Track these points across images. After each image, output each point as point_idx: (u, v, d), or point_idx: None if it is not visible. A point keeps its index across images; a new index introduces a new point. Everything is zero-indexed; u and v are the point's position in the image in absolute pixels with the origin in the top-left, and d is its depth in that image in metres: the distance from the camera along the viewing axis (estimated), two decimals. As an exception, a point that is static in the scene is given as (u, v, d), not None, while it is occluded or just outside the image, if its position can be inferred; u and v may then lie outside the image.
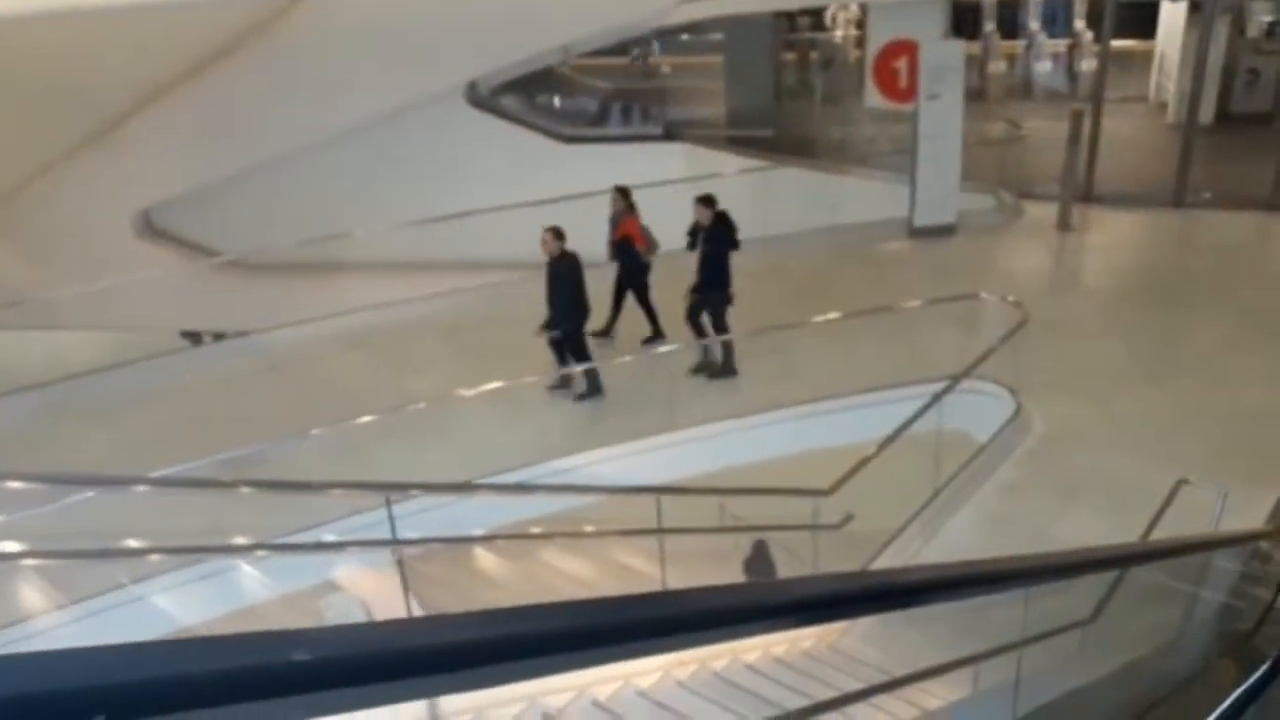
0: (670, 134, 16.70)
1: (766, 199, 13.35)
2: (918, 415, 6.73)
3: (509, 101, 17.22)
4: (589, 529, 6.60)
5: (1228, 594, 5.03)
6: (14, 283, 14.56)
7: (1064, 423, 7.81)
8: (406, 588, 4.56)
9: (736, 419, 8.21)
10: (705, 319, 9.10)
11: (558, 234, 8.77)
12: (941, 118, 11.76)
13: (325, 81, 15.14)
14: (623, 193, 10.05)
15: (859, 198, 13.44)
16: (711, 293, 8.99)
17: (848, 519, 6.16)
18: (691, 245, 9.10)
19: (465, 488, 6.29)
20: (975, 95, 17.16)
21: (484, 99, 16.57)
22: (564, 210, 11.86)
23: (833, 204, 13.51)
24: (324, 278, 14.20)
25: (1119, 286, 10.87)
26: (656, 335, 9.94)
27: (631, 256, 9.82)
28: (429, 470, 6.93)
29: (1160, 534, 5.68)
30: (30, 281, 14.37)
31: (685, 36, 20.26)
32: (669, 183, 11.86)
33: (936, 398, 6.92)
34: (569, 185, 11.87)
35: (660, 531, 5.52)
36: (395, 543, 4.72)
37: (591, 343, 9.29)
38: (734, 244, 8.97)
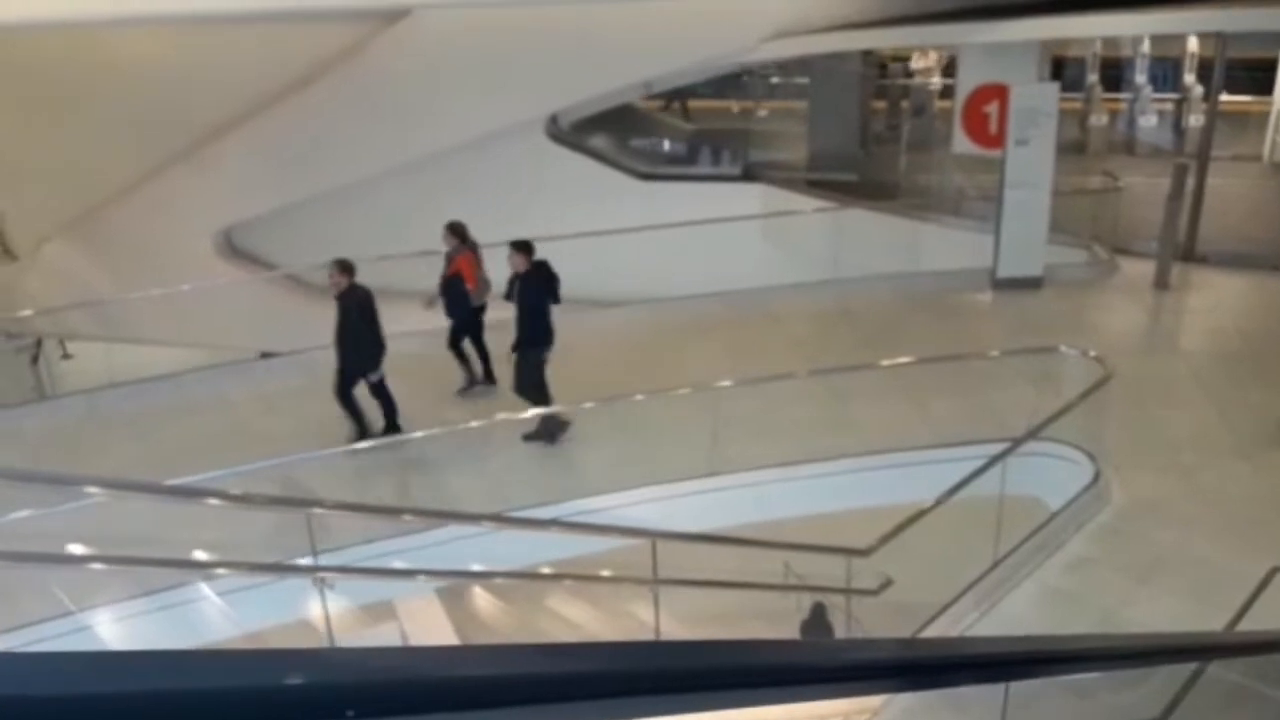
0: (749, 175, 16.34)
1: (842, 241, 12.84)
2: (974, 476, 6.13)
3: (590, 137, 17.10)
4: (605, 573, 6.14)
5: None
6: (95, 295, 14.89)
7: (1146, 495, 7.09)
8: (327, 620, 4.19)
9: (784, 468, 7.67)
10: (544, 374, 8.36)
11: (344, 267, 8.01)
12: (1030, 164, 11.10)
13: (409, 108, 15.26)
14: (454, 229, 9.37)
15: (941, 245, 12.83)
16: (529, 349, 8.29)
17: (886, 584, 5.58)
18: (509, 295, 8.46)
19: (410, 512, 5.90)
20: (1075, 148, 16.44)
21: (563, 133, 16.50)
22: (633, 244, 11.64)
23: (912, 250, 12.92)
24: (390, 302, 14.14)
25: (1217, 351, 10.00)
26: (488, 379, 9.47)
27: (460, 296, 9.24)
28: (444, 501, 6.60)
29: (1248, 626, 5.01)
30: (110, 294, 14.68)
31: (775, 79, 19.92)
32: (728, 220, 11.46)
33: (998, 458, 6.31)
34: (644, 221, 11.55)
35: (657, 582, 5.05)
36: (311, 571, 4.35)
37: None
38: (554, 296, 8.30)
